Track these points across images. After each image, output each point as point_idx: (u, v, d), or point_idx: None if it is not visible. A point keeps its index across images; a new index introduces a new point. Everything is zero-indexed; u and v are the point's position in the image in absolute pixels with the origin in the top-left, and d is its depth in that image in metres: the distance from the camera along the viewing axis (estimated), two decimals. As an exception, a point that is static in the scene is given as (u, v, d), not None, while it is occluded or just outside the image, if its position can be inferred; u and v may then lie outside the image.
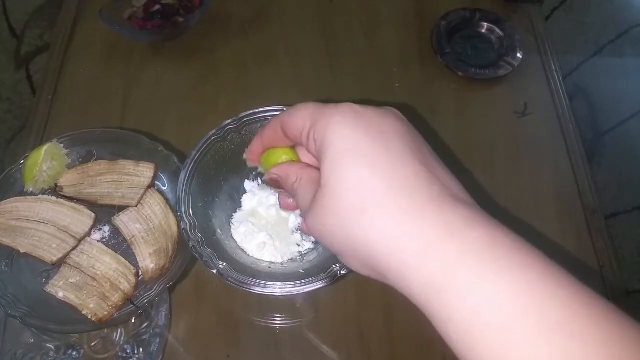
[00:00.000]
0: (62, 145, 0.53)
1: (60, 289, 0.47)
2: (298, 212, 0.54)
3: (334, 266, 0.44)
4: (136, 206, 0.51)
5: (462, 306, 0.21)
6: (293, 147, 0.34)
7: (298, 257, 0.53)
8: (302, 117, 0.28)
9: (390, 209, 0.24)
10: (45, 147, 0.51)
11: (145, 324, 0.51)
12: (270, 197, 0.55)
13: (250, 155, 0.35)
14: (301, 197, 0.29)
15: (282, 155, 0.33)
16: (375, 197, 0.24)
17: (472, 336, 0.21)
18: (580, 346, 0.19)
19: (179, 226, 0.48)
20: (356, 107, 0.27)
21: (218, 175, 0.53)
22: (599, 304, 0.20)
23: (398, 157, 0.24)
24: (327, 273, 0.44)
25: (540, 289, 0.21)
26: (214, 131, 0.50)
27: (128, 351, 0.51)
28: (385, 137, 0.25)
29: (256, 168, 0.36)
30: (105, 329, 0.51)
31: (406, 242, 0.23)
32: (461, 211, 0.23)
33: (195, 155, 0.49)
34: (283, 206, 0.35)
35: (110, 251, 0.49)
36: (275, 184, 0.33)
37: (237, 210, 0.55)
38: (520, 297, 0.20)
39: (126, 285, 0.47)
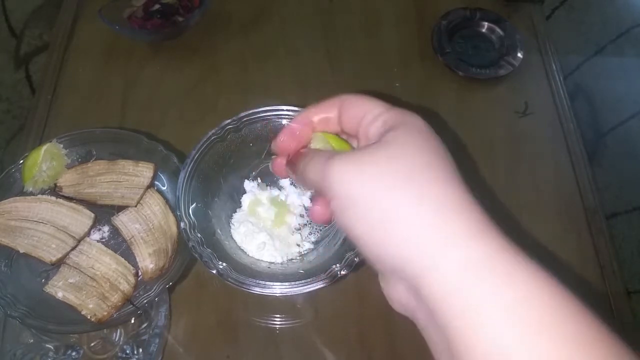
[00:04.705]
0: (61, 145, 0.53)
1: (59, 289, 0.47)
2: (298, 212, 0.54)
3: (334, 266, 0.44)
4: (135, 206, 0.51)
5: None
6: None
7: (298, 258, 0.52)
8: (371, 108, 0.30)
9: (429, 229, 0.24)
10: (44, 147, 0.51)
11: (145, 324, 0.51)
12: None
13: (277, 164, 0.34)
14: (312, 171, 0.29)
15: (332, 142, 0.32)
16: (409, 214, 0.24)
17: None
18: None
19: (178, 226, 0.48)
20: (424, 125, 0.28)
21: (218, 175, 0.53)
22: (603, 336, 0.21)
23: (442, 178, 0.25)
24: (327, 273, 0.44)
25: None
26: (213, 131, 0.50)
27: (127, 351, 0.50)
28: (435, 154, 0.27)
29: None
30: (105, 329, 0.51)
31: (442, 265, 0.23)
32: (497, 242, 0.23)
33: (194, 155, 0.49)
34: (313, 216, 0.32)
35: (109, 251, 0.49)
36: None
37: (237, 210, 0.55)
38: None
39: (126, 286, 0.47)
